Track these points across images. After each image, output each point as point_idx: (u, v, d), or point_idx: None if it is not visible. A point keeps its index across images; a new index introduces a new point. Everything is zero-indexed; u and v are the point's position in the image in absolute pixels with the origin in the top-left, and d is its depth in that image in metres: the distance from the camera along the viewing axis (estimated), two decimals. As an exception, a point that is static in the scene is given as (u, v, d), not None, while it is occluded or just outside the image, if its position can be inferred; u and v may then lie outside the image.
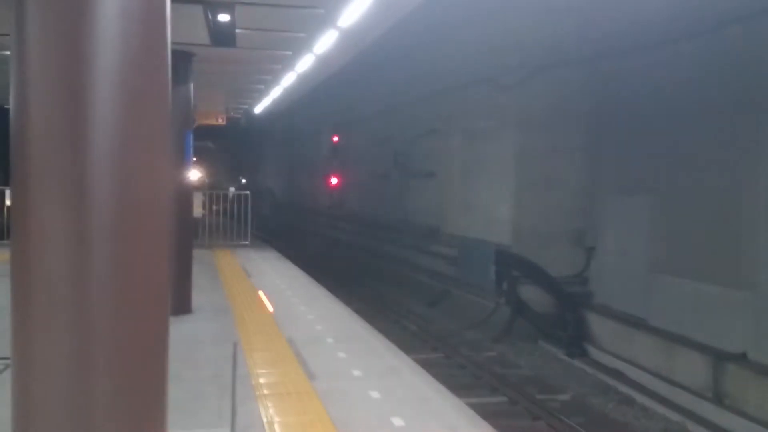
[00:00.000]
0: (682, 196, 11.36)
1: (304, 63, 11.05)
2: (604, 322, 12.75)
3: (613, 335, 12.36)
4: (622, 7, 10.69)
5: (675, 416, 9.61)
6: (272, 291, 10.88)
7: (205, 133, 29.81)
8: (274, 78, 13.13)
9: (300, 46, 9.46)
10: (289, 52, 9.89)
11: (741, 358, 9.71)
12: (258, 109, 20.35)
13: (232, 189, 26.68)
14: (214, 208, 19.25)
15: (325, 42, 9.22)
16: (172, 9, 2.64)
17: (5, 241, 12.10)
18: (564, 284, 13.83)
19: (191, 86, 9.13)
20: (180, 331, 7.55)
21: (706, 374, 9.91)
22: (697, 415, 9.55)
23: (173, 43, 2.70)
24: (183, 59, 8.75)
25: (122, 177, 2.33)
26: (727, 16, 10.04)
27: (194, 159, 10.96)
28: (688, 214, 11.17)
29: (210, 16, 7.50)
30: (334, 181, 27.98)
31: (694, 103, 10.99)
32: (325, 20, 7.93)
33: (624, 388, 10.69)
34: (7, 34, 2.66)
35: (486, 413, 6.47)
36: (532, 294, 13.88)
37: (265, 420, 5.04)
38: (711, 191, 10.66)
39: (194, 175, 12.81)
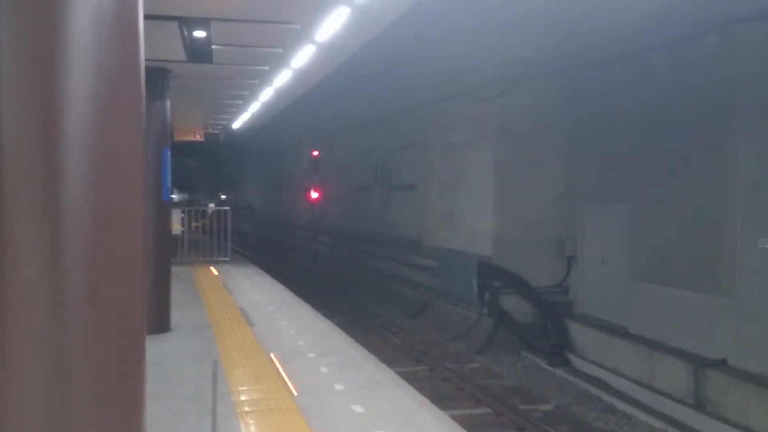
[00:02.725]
0: (661, 204, 11.45)
1: (282, 78, 11.07)
2: (585, 331, 12.81)
3: (595, 344, 12.41)
4: (598, 20, 10.85)
5: (658, 423, 9.66)
6: (253, 307, 10.82)
7: (183, 149, 29.73)
8: (252, 93, 13.13)
9: (277, 61, 9.48)
10: (267, 68, 9.91)
11: (721, 365, 9.78)
12: (237, 124, 20.32)
13: (211, 205, 26.57)
14: (193, 224, 19.15)
15: (303, 57, 9.25)
16: (148, 25, 2.64)
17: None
18: (545, 294, 13.89)
19: (168, 102, 9.11)
20: (159, 349, 7.49)
21: (688, 381, 9.98)
22: (679, 421, 9.60)
23: (149, 60, 2.69)
24: (159, 75, 8.74)
25: (95, 193, 2.30)
26: (701, 26, 10.19)
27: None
28: (667, 222, 11.27)
29: (186, 33, 7.50)
30: (314, 195, 27.97)
31: (671, 111, 11.11)
32: (302, 35, 7.96)
33: (606, 397, 10.73)
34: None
35: (470, 425, 6.46)
36: (513, 304, 13.92)
37: (246, 437, 5.00)
38: (690, 199, 10.75)
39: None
